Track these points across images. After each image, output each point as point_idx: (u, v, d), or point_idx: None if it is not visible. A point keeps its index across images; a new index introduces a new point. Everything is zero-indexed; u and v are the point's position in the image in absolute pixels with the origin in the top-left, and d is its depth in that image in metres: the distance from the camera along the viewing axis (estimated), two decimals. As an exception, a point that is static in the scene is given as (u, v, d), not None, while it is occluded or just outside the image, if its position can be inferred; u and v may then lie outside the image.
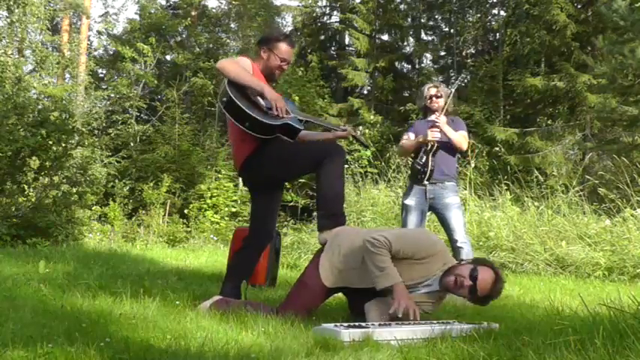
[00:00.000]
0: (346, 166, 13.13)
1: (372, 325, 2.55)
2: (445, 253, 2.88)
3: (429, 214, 4.65)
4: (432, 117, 4.48)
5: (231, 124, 3.23)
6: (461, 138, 4.41)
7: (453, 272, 2.76)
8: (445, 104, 4.47)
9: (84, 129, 11.24)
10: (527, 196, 7.60)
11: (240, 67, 3.17)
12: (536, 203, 7.40)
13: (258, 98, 3.17)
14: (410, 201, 4.44)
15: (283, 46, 3.36)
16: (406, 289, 2.69)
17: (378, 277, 2.68)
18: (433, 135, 4.36)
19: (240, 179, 3.66)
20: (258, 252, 3.47)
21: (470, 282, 2.70)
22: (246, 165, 3.28)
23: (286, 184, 13.59)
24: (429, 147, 4.38)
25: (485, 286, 2.72)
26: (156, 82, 17.61)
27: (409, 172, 4.72)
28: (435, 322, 2.65)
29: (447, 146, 4.43)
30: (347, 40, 20.28)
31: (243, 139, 3.23)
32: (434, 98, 4.50)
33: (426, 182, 4.39)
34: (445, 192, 4.35)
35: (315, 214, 6.42)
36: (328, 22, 20.45)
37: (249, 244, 3.43)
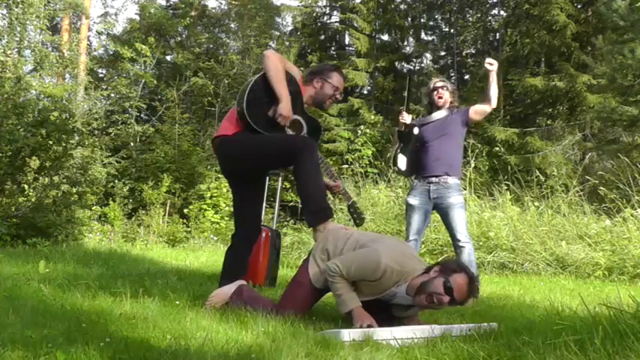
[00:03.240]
0: (346, 165, 13.17)
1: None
2: (396, 273, 2.73)
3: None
4: (437, 113, 4.44)
5: (235, 108, 3.31)
6: (486, 102, 4.33)
7: (426, 290, 2.66)
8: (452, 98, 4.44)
9: (84, 129, 11.23)
10: (527, 196, 7.60)
11: (279, 67, 3.24)
12: (536, 203, 7.40)
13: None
14: (414, 200, 4.42)
15: (336, 75, 3.51)
16: (364, 311, 2.72)
17: (338, 304, 2.81)
18: (404, 118, 4.36)
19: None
20: (247, 247, 3.51)
21: (448, 297, 2.63)
22: (219, 143, 3.33)
23: (286, 183, 13.64)
24: (401, 129, 4.39)
25: (463, 293, 2.65)
26: (155, 82, 17.61)
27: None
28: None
29: (451, 139, 4.40)
30: (347, 40, 20.29)
31: (231, 122, 3.29)
32: (439, 90, 4.40)
33: (396, 168, 4.43)
34: (449, 191, 4.33)
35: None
36: (328, 22, 20.45)
37: (236, 241, 3.48)
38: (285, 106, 3.20)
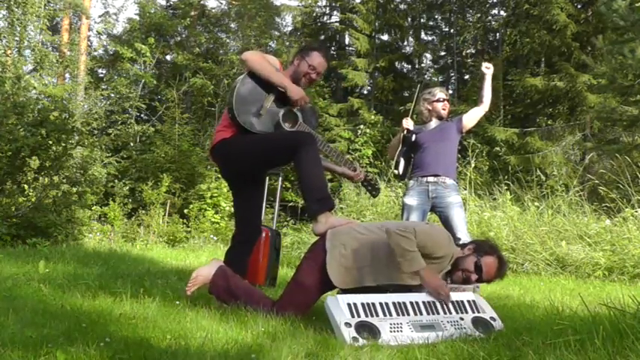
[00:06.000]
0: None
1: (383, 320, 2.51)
2: (449, 255, 2.91)
3: (429, 213, 4.65)
4: (433, 122, 4.54)
5: (226, 112, 3.33)
6: (480, 107, 4.52)
7: (459, 267, 2.87)
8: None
9: (84, 129, 11.24)
10: (527, 196, 7.60)
11: (265, 61, 3.26)
12: (536, 203, 7.40)
13: (269, 104, 3.23)
14: (411, 200, 4.43)
15: (316, 55, 3.44)
16: (433, 274, 2.76)
17: (407, 261, 2.72)
18: (407, 123, 4.49)
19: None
20: (248, 248, 3.51)
21: (476, 275, 2.85)
22: (218, 148, 3.33)
23: (286, 183, 13.64)
24: (404, 133, 4.48)
25: (491, 274, 2.89)
26: (155, 82, 17.61)
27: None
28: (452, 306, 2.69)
29: (448, 143, 4.47)
30: (347, 40, 20.30)
31: (228, 126, 3.30)
32: (446, 102, 4.58)
33: (396, 172, 4.53)
34: (447, 191, 4.36)
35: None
36: (328, 22, 20.46)
37: (237, 242, 3.48)
38: (293, 90, 3.22)
